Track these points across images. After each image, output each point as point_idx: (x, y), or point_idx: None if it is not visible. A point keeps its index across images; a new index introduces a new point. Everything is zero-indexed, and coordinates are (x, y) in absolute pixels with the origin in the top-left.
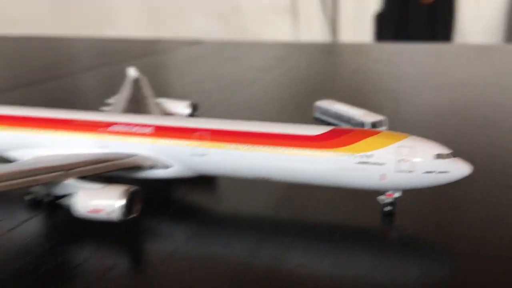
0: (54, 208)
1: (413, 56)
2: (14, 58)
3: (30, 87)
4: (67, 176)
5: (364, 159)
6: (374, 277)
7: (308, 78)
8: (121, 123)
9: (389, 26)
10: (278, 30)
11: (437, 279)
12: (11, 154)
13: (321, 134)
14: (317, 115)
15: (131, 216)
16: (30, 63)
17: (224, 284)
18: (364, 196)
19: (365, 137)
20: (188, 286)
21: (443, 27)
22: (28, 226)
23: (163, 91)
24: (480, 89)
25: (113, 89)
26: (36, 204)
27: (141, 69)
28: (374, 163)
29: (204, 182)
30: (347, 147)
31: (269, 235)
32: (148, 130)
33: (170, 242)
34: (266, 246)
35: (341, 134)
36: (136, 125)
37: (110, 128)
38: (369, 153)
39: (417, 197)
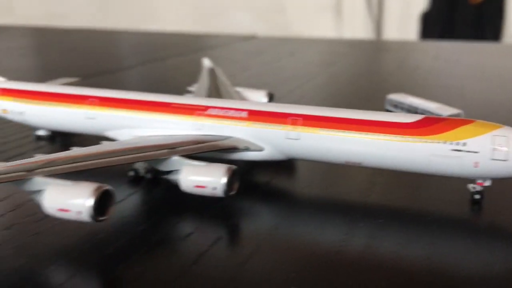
0: (155, 184)
1: (472, 55)
2: (78, 49)
3: (104, 75)
4: (171, 153)
5: (459, 147)
6: (466, 262)
7: (369, 73)
8: (217, 107)
9: (436, 25)
10: (321, 28)
11: None
12: (111, 133)
13: (414, 121)
14: (389, 107)
15: (231, 193)
16: (93, 54)
17: (324, 268)
18: (451, 184)
19: (459, 126)
20: (284, 267)
21: (491, 28)
22: (133, 199)
23: (231, 83)
24: None
25: (187, 78)
26: (138, 180)
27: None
28: (469, 151)
29: (289, 167)
30: (442, 134)
31: (361, 218)
32: (243, 114)
33: (263, 223)
34: (359, 229)
35: (435, 122)
36: (231, 109)
37: (207, 112)
38: (463, 141)
39: (506, 186)
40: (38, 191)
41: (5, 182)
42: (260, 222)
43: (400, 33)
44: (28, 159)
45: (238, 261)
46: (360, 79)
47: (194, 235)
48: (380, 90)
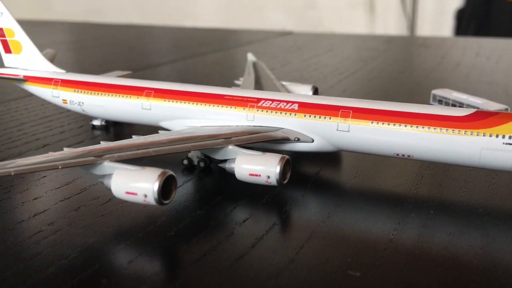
0: (207, 173)
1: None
2: (118, 44)
3: (147, 70)
4: (226, 143)
5: (511, 141)
6: None
7: (410, 69)
8: (269, 99)
9: (471, 22)
10: (353, 24)
11: None
12: (166, 124)
13: (466, 115)
14: (433, 103)
15: (284, 182)
16: (134, 49)
17: (379, 255)
18: (500, 178)
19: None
20: (339, 252)
21: None
22: (189, 186)
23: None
24: None
25: (228, 73)
26: (191, 169)
27: (245, 56)
28: None
29: (336, 158)
30: (494, 128)
31: (412, 209)
32: (294, 106)
33: (315, 211)
34: (411, 219)
35: (487, 116)
36: (283, 101)
37: (260, 104)
38: None
39: None
40: (107, 175)
41: (77, 166)
42: (312, 210)
43: (434, 29)
44: (95, 145)
45: (294, 245)
46: (401, 75)
47: (249, 221)
48: (423, 86)
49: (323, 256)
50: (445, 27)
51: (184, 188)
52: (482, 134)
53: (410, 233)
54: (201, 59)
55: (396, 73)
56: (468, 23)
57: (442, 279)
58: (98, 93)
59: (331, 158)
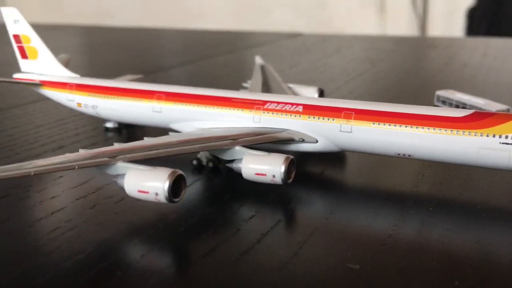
0: (216, 173)
1: None
2: (128, 47)
3: (157, 73)
4: (233, 144)
5: (508, 140)
6: None
7: (417, 70)
8: (275, 102)
9: (482, 21)
10: (364, 25)
11: None
12: (176, 126)
13: (465, 116)
14: (438, 103)
15: (289, 181)
16: (144, 52)
17: (377, 249)
18: (500, 176)
19: (508, 120)
20: (340, 247)
21: None
22: (198, 186)
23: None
24: None
25: (237, 75)
26: (200, 169)
27: (253, 58)
28: None
29: (340, 158)
30: (491, 128)
31: (412, 206)
32: (299, 108)
33: (318, 209)
34: (410, 215)
35: (484, 117)
36: (288, 103)
37: (266, 106)
38: None
39: None
40: (120, 175)
41: (93, 166)
42: (315, 208)
43: (445, 29)
44: (109, 147)
45: (298, 240)
46: (408, 76)
47: (255, 218)
48: (429, 87)
49: (324, 251)
50: (456, 26)
51: (194, 187)
52: (480, 134)
53: (409, 229)
54: (210, 61)
55: (403, 74)
56: (480, 22)
57: (438, 271)
58: (111, 97)
59: (335, 158)
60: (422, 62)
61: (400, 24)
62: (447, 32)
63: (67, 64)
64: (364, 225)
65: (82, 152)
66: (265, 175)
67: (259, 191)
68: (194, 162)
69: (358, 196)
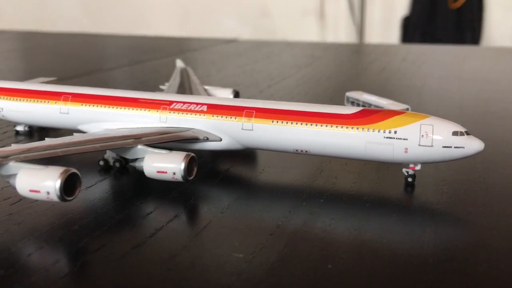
0: (123, 172)
1: (440, 57)
2: (63, 52)
3: (82, 77)
4: (136, 143)
5: (391, 135)
6: (394, 238)
7: (338, 75)
8: (180, 102)
9: (416, 29)
10: (305, 32)
11: (450, 242)
12: (84, 127)
13: (353, 113)
14: (347, 104)
15: (190, 178)
16: (78, 57)
17: (264, 239)
18: (388, 169)
19: (392, 116)
20: (229, 238)
21: (470, 32)
22: (102, 185)
23: (204, 82)
24: (503, 87)
25: (163, 79)
26: (107, 168)
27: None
28: (399, 138)
29: (249, 156)
30: (376, 124)
31: (305, 199)
32: (203, 108)
33: (217, 204)
34: (302, 207)
35: (371, 113)
36: (193, 103)
37: (172, 106)
38: (394, 129)
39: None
40: (13, 175)
41: None
42: (214, 203)
43: (382, 37)
44: (5, 148)
45: (190, 234)
46: (328, 80)
47: (154, 214)
48: (344, 89)
49: (213, 242)
50: (393, 34)
51: (98, 187)
52: (366, 130)
53: (297, 220)
54: (140, 66)
55: (324, 78)
56: (414, 30)
57: (315, 256)
58: (17, 99)
59: (245, 156)
60: (343, 67)
61: (340, 31)
62: (384, 39)
63: None
64: (256, 217)
65: None
66: (166, 172)
67: (163, 189)
68: (101, 162)
69: (257, 191)
